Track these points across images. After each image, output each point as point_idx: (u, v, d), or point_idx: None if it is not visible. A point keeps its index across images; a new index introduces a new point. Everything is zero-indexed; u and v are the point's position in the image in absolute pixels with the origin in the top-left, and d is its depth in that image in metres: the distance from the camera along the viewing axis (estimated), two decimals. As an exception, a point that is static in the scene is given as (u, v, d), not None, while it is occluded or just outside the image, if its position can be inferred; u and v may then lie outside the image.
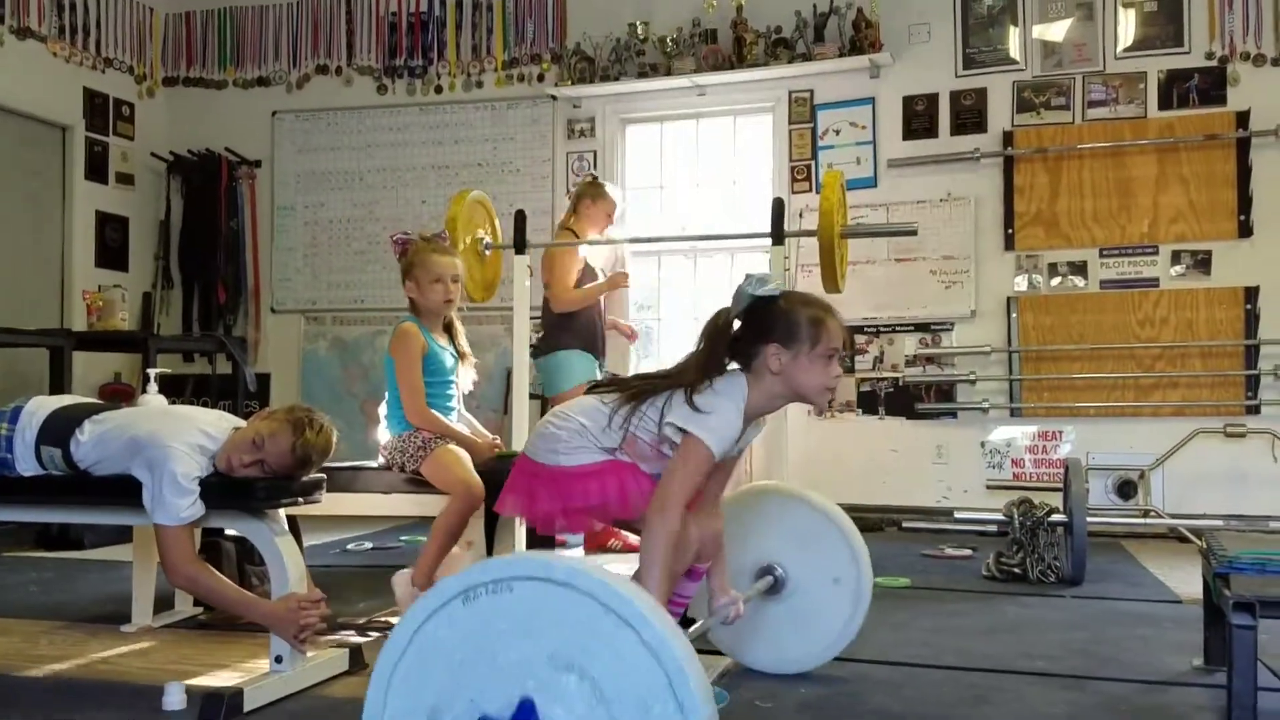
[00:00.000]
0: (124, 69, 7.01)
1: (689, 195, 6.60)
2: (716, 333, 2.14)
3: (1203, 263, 5.62)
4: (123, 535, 4.58)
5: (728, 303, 2.16)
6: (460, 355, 3.51)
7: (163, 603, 3.31)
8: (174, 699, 2.35)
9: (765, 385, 2.10)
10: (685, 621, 3.11)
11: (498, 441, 3.47)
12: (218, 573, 2.64)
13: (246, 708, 2.30)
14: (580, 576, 1.37)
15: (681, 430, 2.04)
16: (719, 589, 2.35)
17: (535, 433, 2.22)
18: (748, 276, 2.13)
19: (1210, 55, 5.64)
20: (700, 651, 2.76)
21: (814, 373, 2.10)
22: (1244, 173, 5.56)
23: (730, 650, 2.71)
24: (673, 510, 1.99)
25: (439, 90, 6.87)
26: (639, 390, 2.13)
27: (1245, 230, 5.56)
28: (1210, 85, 5.64)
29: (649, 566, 1.96)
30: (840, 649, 2.65)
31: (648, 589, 1.93)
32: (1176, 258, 5.66)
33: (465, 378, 3.53)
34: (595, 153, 6.55)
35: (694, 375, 2.09)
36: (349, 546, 4.95)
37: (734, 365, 2.15)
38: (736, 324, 2.15)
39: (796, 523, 2.65)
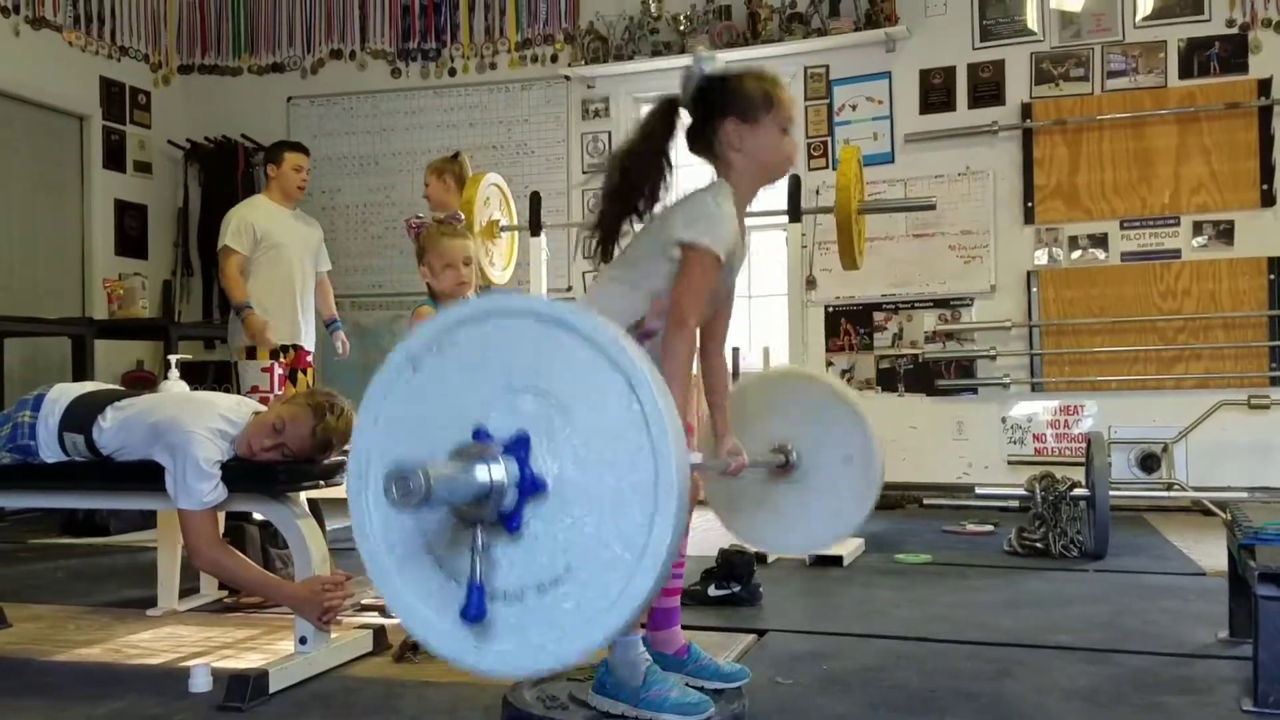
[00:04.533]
0: (139, 57, 7.03)
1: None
2: (658, 119, 2.09)
3: (1225, 233, 5.56)
4: (148, 520, 4.62)
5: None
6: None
7: (189, 587, 3.34)
8: (200, 681, 2.37)
9: (735, 169, 2.08)
10: (696, 594, 3.11)
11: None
12: (242, 556, 2.66)
13: (272, 689, 2.32)
14: (511, 302, 1.46)
15: (681, 244, 1.99)
16: (723, 432, 2.28)
17: None
18: (694, 55, 2.10)
19: (1231, 23, 5.57)
20: (720, 629, 2.77)
21: (776, 143, 2.08)
22: (1266, 141, 5.49)
23: (741, 532, 2.71)
24: (690, 320, 1.97)
25: (452, 73, 6.86)
26: (610, 225, 2.08)
27: (1268, 200, 5.49)
28: (1231, 53, 5.57)
29: (671, 375, 1.92)
30: (851, 529, 2.63)
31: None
32: (1198, 228, 5.60)
33: None
34: (610, 133, 6.53)
35: (645, 179, 2.05)
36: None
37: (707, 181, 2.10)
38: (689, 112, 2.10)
39: (808, 403, 2.64)
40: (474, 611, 1.40)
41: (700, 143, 2.11)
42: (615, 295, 2.07)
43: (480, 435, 1.42)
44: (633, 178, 2.09)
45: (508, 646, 1.42)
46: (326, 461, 2.66)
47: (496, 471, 1.38)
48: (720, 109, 2.07)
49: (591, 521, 1.38)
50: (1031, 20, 5.85)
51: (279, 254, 4.78)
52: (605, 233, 2.12)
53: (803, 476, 2.64)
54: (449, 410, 1.45)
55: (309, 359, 4.97)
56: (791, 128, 2.11)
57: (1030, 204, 5.83)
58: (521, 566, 1.41)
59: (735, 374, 4.70)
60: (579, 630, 1.38)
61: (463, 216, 3.81)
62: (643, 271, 2.06)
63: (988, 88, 5.92)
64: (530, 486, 1.39)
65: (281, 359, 4.79)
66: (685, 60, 6.73)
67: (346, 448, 2.71)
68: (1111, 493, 4.04)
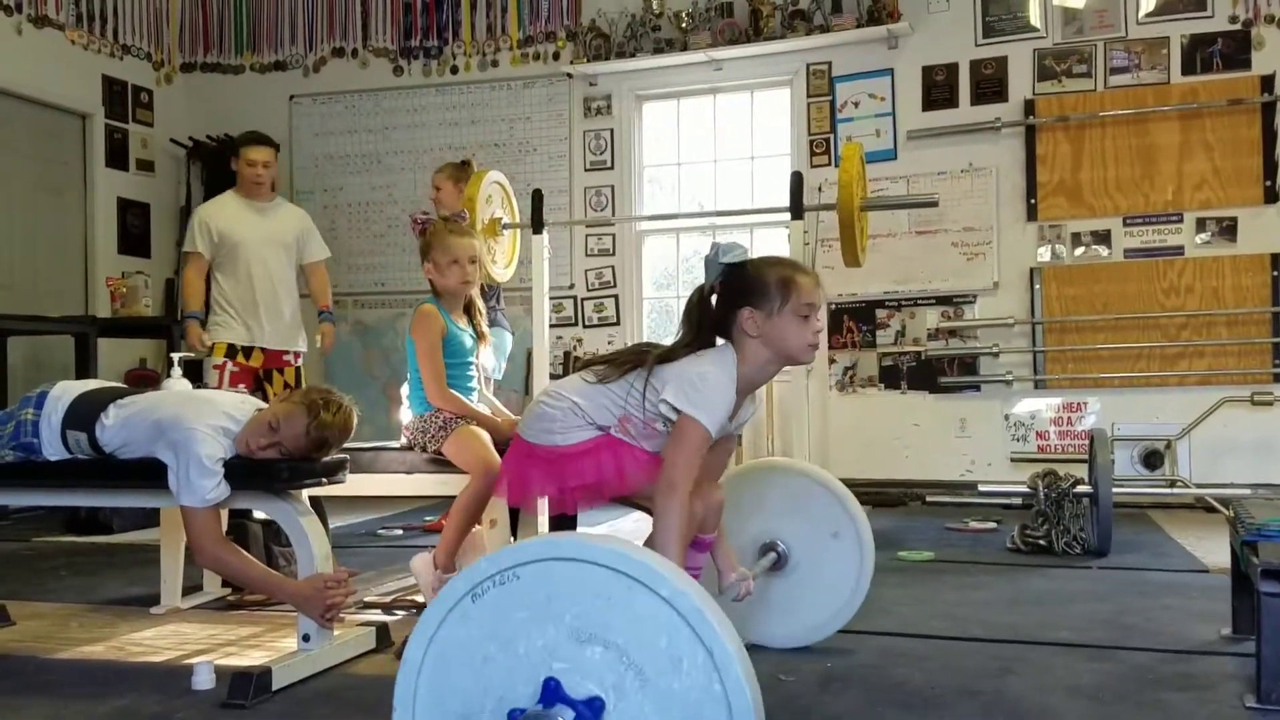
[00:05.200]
0: (142, 56, 7.03)
1: (707, 172, 6.57)
2: (697, 308, 2.14)
3: (1228, 230, 5.56)
4: (151, 519, 4.63)
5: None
6: (479, 336, 3.51)
7: (191, 585, 3.35)
8: (203, 679, 2.37)
9: (750, 352, 2.10)
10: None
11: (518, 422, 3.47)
12: (244, 553, 2.66)
13: (275, 686, 2.32)
14: (586, 548, 1.35)
15: (676, 410, 2.04)
16: (726, 567, 2.35)
17: (528, 412, 2.22)
18: (713, 245, 2.13)
19: (1234, 19, 5.56)
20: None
21: (792, 331, 2.09)
22: (1269, 137, 5.48)
23: (750, 635, 2.70)
24: (681, 492, 1.99)
25: (454, 71, 6.86)
26: (628, 366, 2.13)
27: (1271, 196, 5.49)
28: (1234, 49, 5.56)
29: (665, 545, 1.96)
30: (859, 603, 2.64)
31: None
32: (1201, 225, 5.59)
33: (486, 359, 3.53)
34: (612, 131, 6.53)
35: (681, 352, 2.10)
36: (379, 531, 4.97)
37: (721, 342, 2.15)
38: (714, 300, 2.15)
39: (782, 493, 2.64)
40: None
41: (721, 327, 2.13)
42: (597, 394, 2.13)
43: (550, 691, 1.34)
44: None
45: None
46: (328, 459, 2.67)
47: None
48: (739, 298, 2.09)
49: None
50: (1034, 17, 5.84)
51: (236, 252, 4.69)
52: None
53: (796, 566, 2.65)
54: (509, 652, 1.36)
55: (288, 359, 4.84)
56: (814, 313, 2.11)
57: (1033, 201, 5.82)
58: None
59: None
60: None
61: (467, 215, 3.80)
62: (626, 394, 2.11)
63: (990, 84, 5.91)
64: None
65: (240, 359, 4.68)
66: (687, 57, 6.73)
67: (346, 444, 2.73)
68: (1114, 490, 4.04)
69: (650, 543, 2.15)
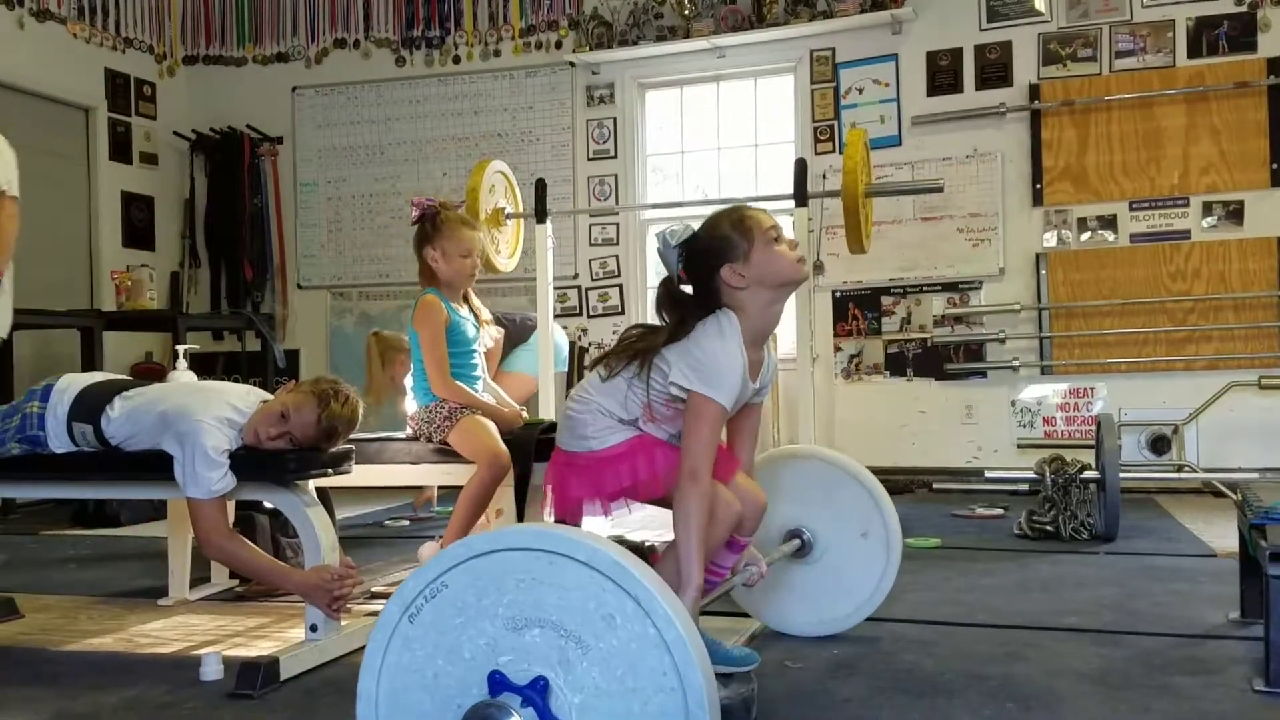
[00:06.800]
0: (144, 48, 7.03)
1: (710, 159, 6.55)
2: (669, 299, 2.13)
3: (1235, 213, 5.53)
4: (158, 511, 4.64)
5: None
6: (480, 322, 3.51)
7: (199, 576, 3.35)
8: (211, 669, 2.38)
9: (749, 303, 2.09)
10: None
11: (523, 411, 3.48)
12: (251, 544, 2.66)
13: (283, 676, 2.33)
14: (499, 538, 1.38)
15: (686, 390, 2.03)
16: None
17: (560, 421, 2.22)
18: (659, 236, 2.13)
19: (1240, 1, 5.52)
20: (730, 614, 2.76)
21: (773, 258, 2.08)
22: (1276, 120, 5.45)
23: (766, 617, 2.70)
24: (702, 473, 1.98)
25: (457, 60, 6.84)
26: (636, 354, 2.11)
27: (1278, 179, 5.46)
28: (1240, 32, 5.53)
29: (686, 533, 1.96)
30: (878, 603, 2.63)
31: (687, 554, 1.94)
32: (1208, 209, 5.57)
33: (488, 338, 3.53)
34: (615, 119, 6.51)
35: (678, 331, 2.08)
36: (386, 521, 4.98)
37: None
38: (686, 285, 2.14)
39: (816, 483, 2.63)
40: None
41: (708, 300, 2.10)
42: (614, 390, 2.13)
43: (496, 683, 1.36)
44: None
45: None
46: (335, 450, 2.67)
47: None
48: (711, 263, 2.08)
49: None
50: (1038, 0, 5.80)
51: None
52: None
53: (820, 556, 2.63)
54: (456, 660, 1.39)
55: None
56: (780, 233, 2.11)
57: (1039, 186, 5.80)
58: None
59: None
60: None
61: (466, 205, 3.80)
62: (633, 380, 2.11)
63: (995, 69, 5.89)
64: None
65: None
66: (690, 45, 6.70)
67: (353, 434, 2.73)
68: (1122, 475, 4.03)
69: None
